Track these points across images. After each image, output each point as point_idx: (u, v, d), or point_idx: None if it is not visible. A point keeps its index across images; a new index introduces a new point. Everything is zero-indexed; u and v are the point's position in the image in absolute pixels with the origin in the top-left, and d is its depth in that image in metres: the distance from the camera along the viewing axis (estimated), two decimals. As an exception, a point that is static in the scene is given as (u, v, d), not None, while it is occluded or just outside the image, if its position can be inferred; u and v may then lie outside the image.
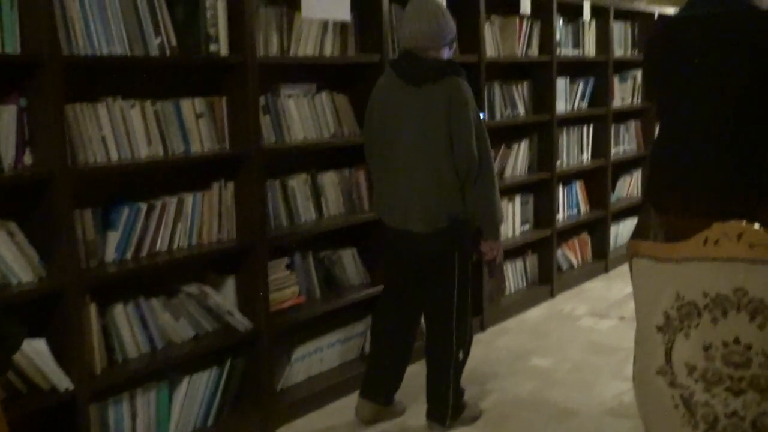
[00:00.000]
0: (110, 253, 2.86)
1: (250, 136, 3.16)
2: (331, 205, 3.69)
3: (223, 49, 3.09)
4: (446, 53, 3.13)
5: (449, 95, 2.98)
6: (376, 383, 3.38)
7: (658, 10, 6.20)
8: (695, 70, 2.93)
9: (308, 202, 3.59)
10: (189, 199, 3.07)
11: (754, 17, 2.92)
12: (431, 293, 3.23)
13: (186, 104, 3.03)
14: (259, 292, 3.25)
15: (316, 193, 3.62)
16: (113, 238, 2.86)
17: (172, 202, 3.02)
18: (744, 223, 2.07)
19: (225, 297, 3.25)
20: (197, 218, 3.11)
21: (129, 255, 2.90)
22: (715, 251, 2.09)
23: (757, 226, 2.05)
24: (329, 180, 3.68)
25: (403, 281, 3.31)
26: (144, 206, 2.93)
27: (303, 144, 3.50)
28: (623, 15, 5.93)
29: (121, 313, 2.88)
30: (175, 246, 3.04)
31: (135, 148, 2.87)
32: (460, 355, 3.27)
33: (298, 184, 3.53)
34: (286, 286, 3.48)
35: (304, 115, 3.53)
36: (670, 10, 6.40)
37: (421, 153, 3.02)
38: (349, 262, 3.82)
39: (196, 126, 3.07)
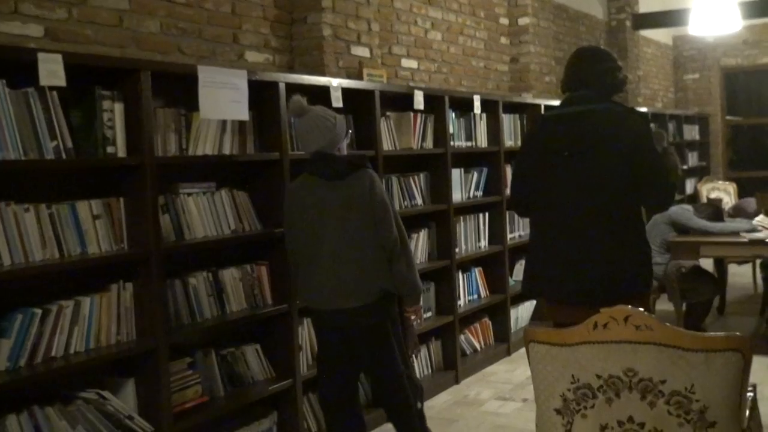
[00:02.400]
0: (2, 362, 2.75)
1: (148, 236, 3.15)
2: (233, 301, 3.68)
3: (121, 151, 3.10)
4: (345, 144, 3.53)
5: (369, 185, 3.33)
6: None
7: (544, 102, 6.54)
8: (566, 163, 3.13)
9: (210, 299, 3.57)
10: (86, 301, 3.01)
11: (616, 114, 3.17)
12: (375, 361, 3.46)
13: (82, 206, 3.01)
14: (161, 393, 3.18)
15: (218, 290, 3.61)
16: (5, 346, 2.76)
17: (68, 305, 2.95)
18: (629, 307, 2.18)
19: (125, 401, 3.16)
20: (95, 321, 3.04)
21: (23, 363, 2.80)
22: (604, 334, 2.19)
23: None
24: (230, 276, 3.68)
25: (339, 359, 3.49)
26: (39, 311, 2.85)
27: (203, 241, 3.50)
28: (512, 108, 6.24)
29: (14, 423, 2.75)
30: (71, 351, 2.96)
31: (29, 252, 2.81)
32: (419, 405, 3.58)
33: (199, 281, 3.52)
34: (188, 385, 3.41)
35: (204, 213, 3.54)
36: (555, 102, 6.76)
37: (347, 238, 3.32)
38: (252, 358, 3.79)
39: (93, 227, 3.04)
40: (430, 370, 5.21)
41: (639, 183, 3.09)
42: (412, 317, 3.60)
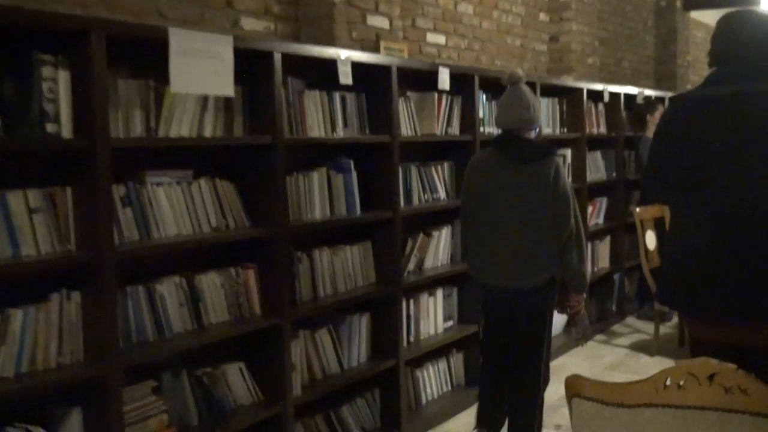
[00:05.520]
0: None
1: (101, 234, 2.56)
2: (212, 313, 3.09)
3: (66, 130, 2.51)
4: (536, 132, 3.58)
5: (553, 173, 3.38)
6: (490, 418, 3.67)
7: (587, 86, 5.86)
8: (717, 157, 2.46)
9: (183, 310, 2.98)
10: (17, 315, 2.43)
11: None
12: (525, 341, 3.52)
13: (14, 197, 2.43)
14: (113, 426, 2.61)
15: (194, 299, 3.02)
16: None
17: (-7, 320, 2.38)
18: (716, 361, 1.56)
19: (69, 436, 2.59)
20: (29, 339, 2.46)
21: (-69, 392, 2.25)
22: (679, 396, 1.58)
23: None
24: (210, 282, 3.09)
25: (502, 331, 3.58)
26: (-47, 329, 2.29)
27: (175, 241, 2.91)
28: (551, 91, 5.57)
29: None
30: (-2, 377, 2.39)
31: (-59, 255, 2.25)
32: (542, 394, 3.60)
33: (169, 288, 2.93)
34: (151, 414, 2.83)
35: (177, 207, 2.95)
36: (599, 86, 6.09)
37: (527, 222, 3.40)
38: (235, 379, 3.21)
39: (30, 224, 2.46)
40: (449, 387, 4.60)
41: None
42: (574, 306, 3.58)
